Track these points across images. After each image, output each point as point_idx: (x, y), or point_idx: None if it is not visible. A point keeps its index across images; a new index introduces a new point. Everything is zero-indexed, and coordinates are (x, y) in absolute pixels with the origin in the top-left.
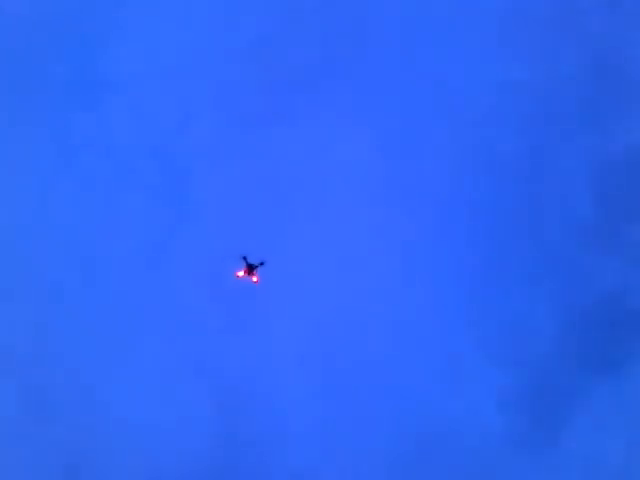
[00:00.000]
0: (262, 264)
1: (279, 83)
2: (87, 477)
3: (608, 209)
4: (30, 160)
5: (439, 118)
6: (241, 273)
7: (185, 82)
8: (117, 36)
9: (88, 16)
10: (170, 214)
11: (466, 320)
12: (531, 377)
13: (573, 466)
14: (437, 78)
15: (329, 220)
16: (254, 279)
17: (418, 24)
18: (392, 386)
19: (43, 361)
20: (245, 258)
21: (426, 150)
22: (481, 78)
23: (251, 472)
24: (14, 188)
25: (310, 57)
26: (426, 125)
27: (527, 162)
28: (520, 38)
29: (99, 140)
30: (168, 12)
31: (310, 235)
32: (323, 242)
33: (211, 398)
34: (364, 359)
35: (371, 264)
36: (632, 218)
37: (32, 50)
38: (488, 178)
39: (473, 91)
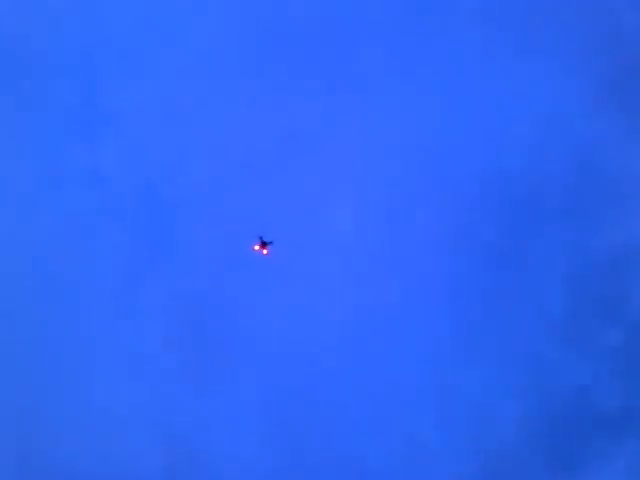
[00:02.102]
0: (271, 242)
1: (274, 135)
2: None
3: (582, 306)
4: (15, 181)
5: (429, 191)
6: (257, 247)
7: (181, 125)
8: (120, 71)
9: (94, 47)
10: (147, 254)
11: (427, 395)
12: (491, 467)
13: None
14: (430, 152)
15: (309, 281)
16: (265, 252)
17: (410, 97)
18: (345, 453)
19: None
20: (261, 237)
21: (411, 220)
22: (471, 164)
23: None
24: None
25: (304, 118)
26: (414, 195)
27: (508, 249)
28: (510, 129)
29: (88, 170)
30: (172, 51)
31: (288, 295)
32: (299, 303)
33: (160, 445)
34: (322, 425)
35: (341, 326)
36: (605, 318)
37: (34, 74)
38: (469, 258)
39: (462, 174)
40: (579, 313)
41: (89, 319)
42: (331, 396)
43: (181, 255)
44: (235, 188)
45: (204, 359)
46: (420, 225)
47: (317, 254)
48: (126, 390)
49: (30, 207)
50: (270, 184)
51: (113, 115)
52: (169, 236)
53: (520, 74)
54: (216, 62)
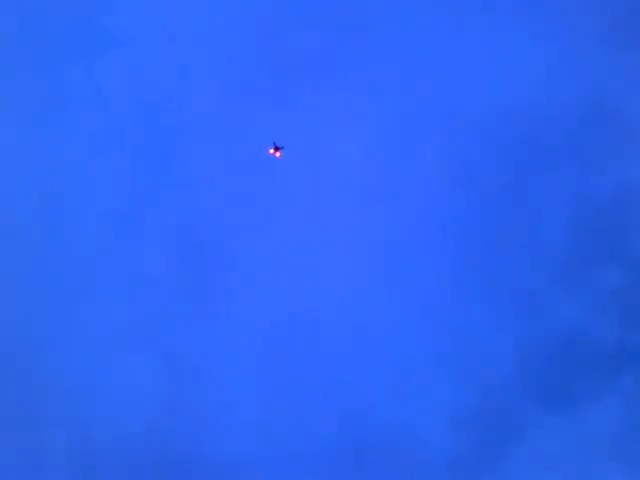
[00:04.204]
0: (283, 147)
1: (280, 67)
2: (23, 433)
3: (581, 247)
4: (17, 100)
5: (432, 127)
6: (271, 151)
7: (185, 49)
8: None
9: None
10: (149, 176)
11: (424, 330)
12: (483, 399)
13: None
14: (435, 90)
15: (311, 213)
16: (278, 155)
17: (416, 36)
18: (342, 387)
19: None
20: (274, 142)
21: (414, 157)
22: (476, 100)
23: (186, 451)
24: None
25: (312, 51)
26: (418, 133)
27: (509, 187)
28: (518, 63)
29: (90, 92)
30: None
31: (290, 227)
32: (300, 235)
33: (159, 368)
34: (319, 357)
35: (340, 261)
36: (605, 258)
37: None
38: (470, 195)
39: (466, 110)
40: (579, 251)
41: (89, 239)
42: (328, 329)
43: (183, 177)
44: (238, 113)
45: (205, 283)
46: (422, 160)
47: (320, 185)
48: (125, 312)
49: (31, 126)
50: (274, 111)
51: (116, 36)
52: (171, 158)
53: (528, 11)
54: None
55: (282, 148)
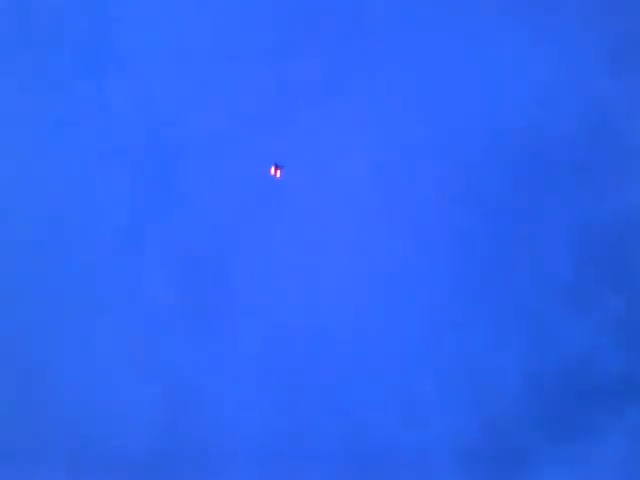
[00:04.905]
0: (283, 166)
1: (284, 88)
2: (19, 448)
3: (588, 271)
4: (22, 117)
5: (438, 144)
6: (272, 170)
7: (192, 69)
8: (133, 10)
9: None
10: (152, 196)
11: (427, 357)
12: (487, 429)
13: None
14: (437, 108)
15: (313, 231)
16: (278, 174)
17: (418, 55)
18: (344, 410)
19: None
20: (276, 163)
21: (418, 174)
22: (481, 118)
23: (185, 472)
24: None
25: (314, 70)
26: (420, 150)
27: (515, 207)
28: (522, 87)
29: (95, 108)
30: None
31: (292, 246)
32: (303, 253)
33: (158, 386)
34: (321, 378)
35: (342, 280)
36: (611, 284)
37: (45, 10)
38: (475, 214)
39: (472, 128)
40: (585, 276)
41: (90, 257)
42: (331, 347)
43: (186, 198)
44: (243, 136)
45: (205, 302)
46: (426, 178)
47: (322, 203)
48: (125, 330)
49: (35, 143)
50: (278, 134)
51: (124, 55)
52: (175, 178)
53: (536, 26)
54: (230, 8)
55: (282, 167)
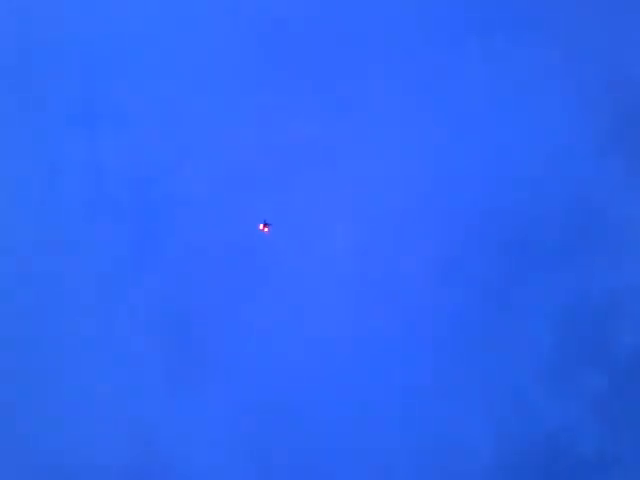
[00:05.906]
0: (270, 224)
1: (276, 143)
2: None
3: (569, 350)
4: (11, 171)
5: (426, 219)
6: (261, 227)
7: (183, 125)
8: (122, 66)
9: (96, 43)
10: (137, 253)
11: (405, 426)
12: None
13: None
14: (425, 185)
15: (300, 297)
16: (266, 230)
17: (408, 129)
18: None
19: None
20: (265, 220)
21: (405, 249)
22: (469, 197)
23: None
24: None
25: (305, 133)
26: (411, 224)
27: (495, 287)
28: (506, 167)
29: (85, 160)
30: (176, 48)
31: (279, 310)
32: (289, 318)
33: (126, 442)
34: (299, 451)
35: (329, 349)
36: (591, 363)
37: (34, 67)
38: (458, 291)
39: (460, 206)
40: (565, 356)
41: (72, 312)
42: (308, 416)
43: (171, 256)
44: (232, 194)
45: (183, 358)
46: (410, 254)
47: (309, 269)
48: (102, 386)
49: (24, 197)
50: (269, 192)
51: (114, 110)
52: (161, 236)
53: (521, 108)
54: (220, 66)
55: (270, 225)
